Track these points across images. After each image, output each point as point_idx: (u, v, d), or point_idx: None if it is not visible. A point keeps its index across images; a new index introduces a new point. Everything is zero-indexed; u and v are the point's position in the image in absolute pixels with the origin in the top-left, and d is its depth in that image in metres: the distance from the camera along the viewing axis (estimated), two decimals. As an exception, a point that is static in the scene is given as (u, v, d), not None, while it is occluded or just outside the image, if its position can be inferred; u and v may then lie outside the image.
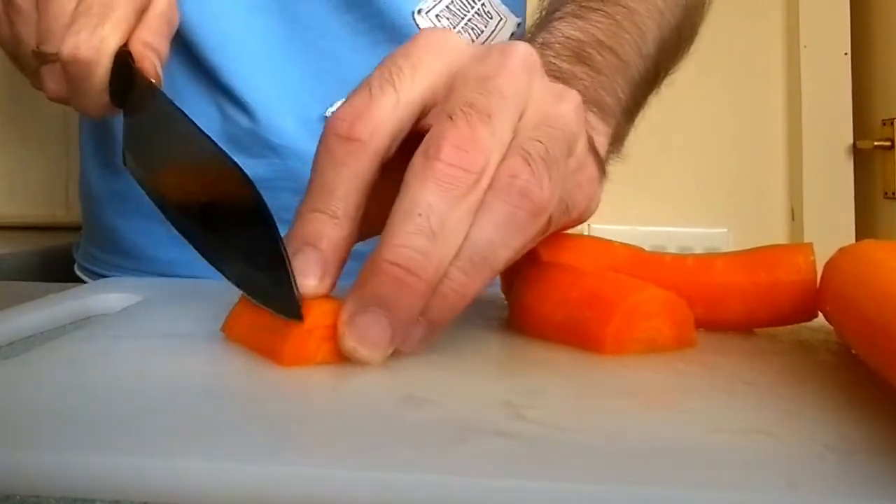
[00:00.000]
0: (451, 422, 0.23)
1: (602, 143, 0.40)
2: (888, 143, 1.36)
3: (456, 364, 0.29)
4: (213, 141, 0.33)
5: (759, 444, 0.21)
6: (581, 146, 0.32)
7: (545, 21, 0.44)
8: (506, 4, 0.60)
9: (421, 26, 0.56)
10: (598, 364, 0.30)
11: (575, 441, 0.22)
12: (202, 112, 0.56)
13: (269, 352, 0.29)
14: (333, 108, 0.56)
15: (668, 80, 0.51)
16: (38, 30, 0.41)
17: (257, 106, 0.56)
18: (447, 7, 0.58)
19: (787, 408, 0.25)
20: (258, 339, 0.30)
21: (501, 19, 0.60)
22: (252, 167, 0.45)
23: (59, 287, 0.45)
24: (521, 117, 0.29)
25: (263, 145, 0.56)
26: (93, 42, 0.39)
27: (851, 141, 1.41)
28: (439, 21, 0.57)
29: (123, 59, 0.40)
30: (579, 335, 0.31)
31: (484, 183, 0.27)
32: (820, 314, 0.34)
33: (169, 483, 0.20)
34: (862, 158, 1.42)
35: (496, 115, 0.28)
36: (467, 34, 0.59)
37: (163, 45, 0.43)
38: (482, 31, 0.60)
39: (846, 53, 1.41)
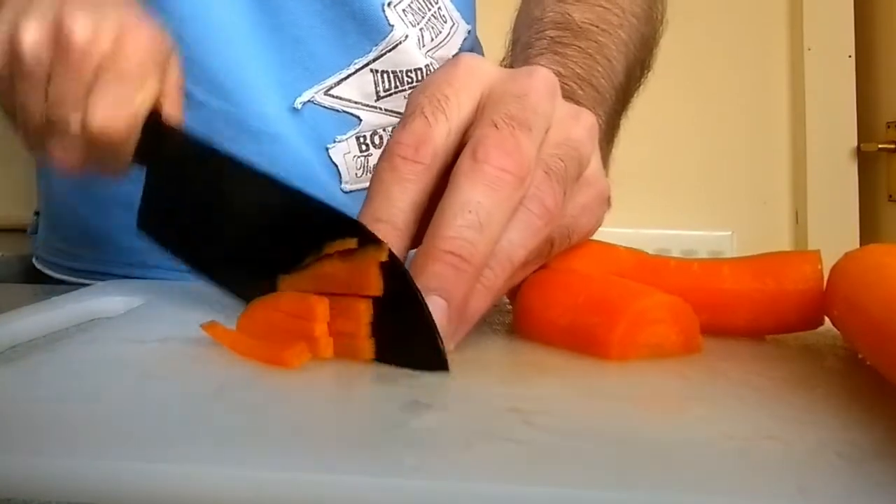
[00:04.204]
0: (457, 427, 0.23)
1: None
2: (892, 146, 1.36)
3: (461, 370, 0.29)
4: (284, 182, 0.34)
5: (769, 451, 0.21)
6: (594, 164, 0.35)
7: (523, 56, 0.47)
8: (458, 11, 0.63)
9: (389, 19, 0.58)
10: (604, 369, 0.29)
11: (581, 447, 0.21)
12: None
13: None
14: (302, 98, 0.57)
15: (671, 82, 0.52)
16: (50, 95, 0.38)
17: (235, 88, 0.55)
18: (409, 5, 0.59)
19: (796, 414, 0.25)
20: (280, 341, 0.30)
21: (454, 24, 0.63)
22: None
23: (62, 290, 0.45)
24: (546, 133, 0.32)
25: (238, 129, 0.55)
26: (127, 112, 0.37)
27: (855, 144, 1.41)
28: (405, 16, 0.59)
29: (150, 120, 0.38)
30: (585, 340, 0.31)
31: (525, 186, 0.30)
32: (826, 319, 0.34)
33: (171, 487, 0.20)
34: (866, 161, 1.42)
35: (533, 128, 0.31)
36: (428, 33, 0.60)
37: (180, 116, 0.41)
38: (440, 32, 0.61)
39: (850, 56, 1.41)
